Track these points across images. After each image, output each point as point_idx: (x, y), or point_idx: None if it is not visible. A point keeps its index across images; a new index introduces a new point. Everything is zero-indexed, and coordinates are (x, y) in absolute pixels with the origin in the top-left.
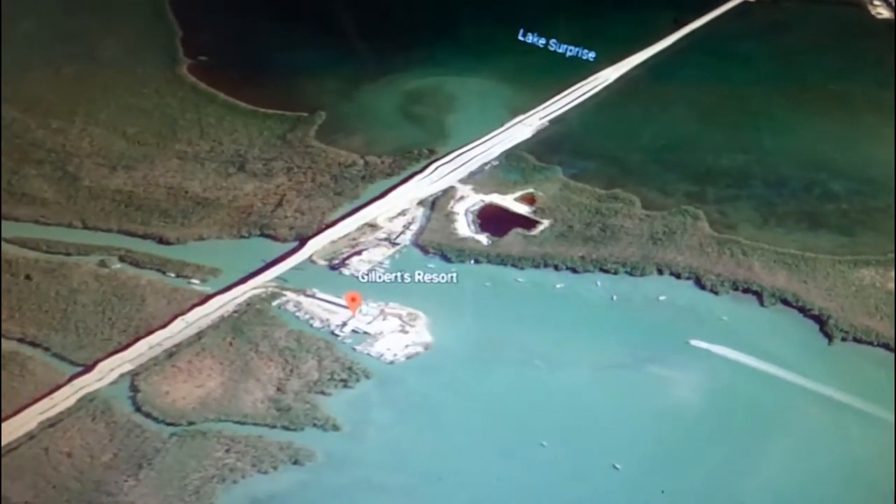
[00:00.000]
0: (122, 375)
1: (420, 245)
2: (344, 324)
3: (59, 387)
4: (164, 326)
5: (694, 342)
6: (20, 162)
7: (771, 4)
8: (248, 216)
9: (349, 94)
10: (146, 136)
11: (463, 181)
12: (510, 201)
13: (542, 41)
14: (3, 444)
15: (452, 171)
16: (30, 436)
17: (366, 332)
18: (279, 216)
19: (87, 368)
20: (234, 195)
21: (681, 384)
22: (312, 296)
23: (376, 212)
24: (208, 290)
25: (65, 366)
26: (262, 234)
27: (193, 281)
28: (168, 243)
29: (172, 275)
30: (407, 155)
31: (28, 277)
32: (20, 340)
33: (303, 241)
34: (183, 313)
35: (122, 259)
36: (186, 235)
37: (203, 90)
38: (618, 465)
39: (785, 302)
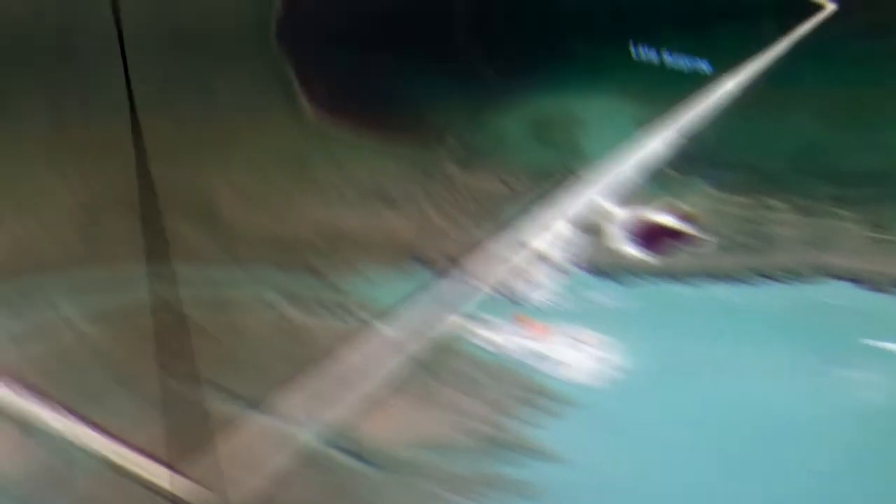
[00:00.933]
0: (314, 417)
1: (584, 267)
2: (527, 350)
3: (263, 438)
4: (342, 365)
5: (869, 342)
6: (169, 210)
7: (868, 7)
8: (401, 248)
9: (476, 120)
10: (279, 176)
11: (609, 199)
12: (660, 216)
13: (656, 55)
14: None
15: (595, 189)
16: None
17: (552, 358)
18: (431, 246)
19: (280, 415)
20: (381, 227)
21: (867, 385)
22: (488, 324)
23: (529, 235)
24: (377, 324)
25: (257, 414)
26: (419, 265)
27: (361, 315)
28: (324, 278)
29: (338, 311)
30: (547, 177)
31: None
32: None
33: (462, 269)
34: (358, 350)
35: (285, 297)
36: (342, 270)
37: (328, 128)
38: (824, 469)
39: None
